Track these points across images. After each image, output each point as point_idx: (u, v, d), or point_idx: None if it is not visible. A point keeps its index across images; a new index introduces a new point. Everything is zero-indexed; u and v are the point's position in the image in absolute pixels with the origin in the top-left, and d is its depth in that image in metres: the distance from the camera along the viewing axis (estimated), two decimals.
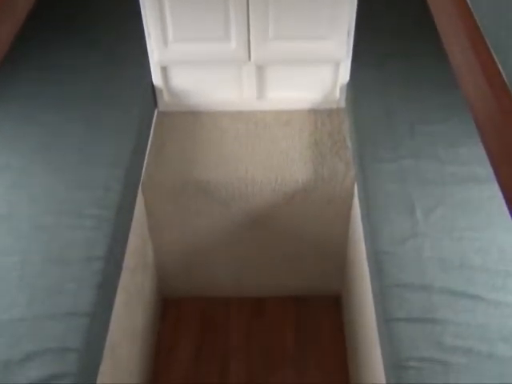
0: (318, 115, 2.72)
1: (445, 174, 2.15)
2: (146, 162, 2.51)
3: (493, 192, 1.97)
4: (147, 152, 2.55)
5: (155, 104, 2.74)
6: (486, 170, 2.05)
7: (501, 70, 0.93)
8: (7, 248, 1.90)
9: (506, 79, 0.91)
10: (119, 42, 2.76)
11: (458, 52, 1.11)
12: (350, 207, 2.51)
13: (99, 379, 1.76)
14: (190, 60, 2.59)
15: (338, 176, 2.44)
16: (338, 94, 2.70)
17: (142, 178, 2.44)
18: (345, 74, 2.62)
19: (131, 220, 2.24)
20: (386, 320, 1.76)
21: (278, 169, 2.48)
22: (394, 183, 2.14)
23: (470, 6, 1.08)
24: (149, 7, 2.37)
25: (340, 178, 2.43)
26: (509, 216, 0.86)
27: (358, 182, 2.33)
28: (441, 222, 2.00)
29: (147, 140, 2.58)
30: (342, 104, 2.73)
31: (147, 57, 2.55)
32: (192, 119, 2.72)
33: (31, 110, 2.42)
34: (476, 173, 2.12)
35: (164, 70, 2.63)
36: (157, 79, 2.64)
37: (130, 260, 2.21)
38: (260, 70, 2.61)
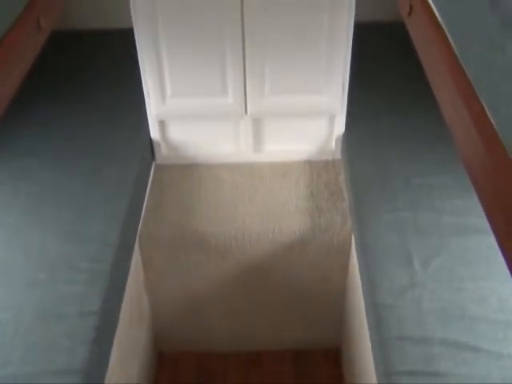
0: (315, 166, 2.74)
1: (442, 225, 2.15)
2: (143, 214, 2.51)
3: (491, 242, 1.96)
4: (144, 205, 2.55)
5: (153, 157, 2.76)
6: (483, 220, 2.04)
7: (492, 122, 0.95)
8: (1, 304, 1.88)
9: (497, 131, 0.93)
10: (118, 97, 2.81)
11: (450, 106, 1.13)
12: (347, 258, 2.50)
13: None
14: (188, 114, 2.62)
15: (335, 227, 2.44)
16: (333, 145, 2.73)
17: (138, 231, 2.44)
18: (340, 127, 2.66)
19: (127, 273, 2.22)
20: (386, 373, 1.73)
21: (275, 220, 2.48)
22: (392, 234, 2.14)
23: (461, 61, 1.11)
24: (147, 63, 2.42)
25: (337, 229, 2.43)
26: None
27: (355, 233, 2.33)
28: (439, 272, 1.99)
29: (145, 193, 2.59)
30: (338, 155, 2.75)
31: (145, 111, 2.59)
32: (189, 172, 2.74)
33: (29, 166, 2.44)
34: (473, 224, 2.13)
35: (162, 123, 2.66)
36: (154, 133, 2.68)
37: (125, 314, 2.18)
38: (256, 122, 2.65)
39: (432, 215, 2.20)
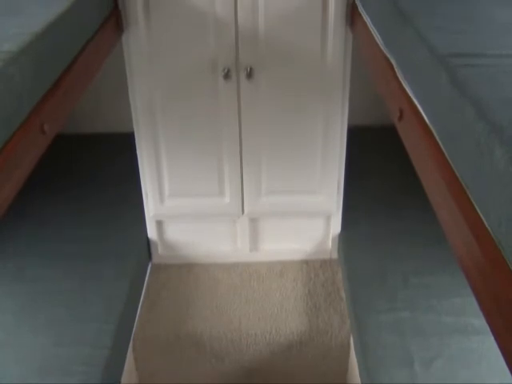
0: (311, 266, 2.74)
1: (442, 325, 2.13)
2: (138, 315, 2.48)
3: (491, 343, 1.93)
4: (140, 305, 2.52)
5: (150, 257, 2.76)
6: (482, 321, 2.03)
7: (484, 221, 0.97)
8: None
9: (489, 230, 0.94)
10: (116, 198, 2.85)
11: (443, 207, 1.16)
12: (346, 359, 2.44)
13: None
14: (185, 214, 2.66)
15: (333, 328, 2.40)
16: (330, 245, 2.75)
17: (133, 333, 2.39)
18: (336, 226, 2.69)
19: (120, 376, 2.17)
20: None
21: (272, 321, 2.45)
22: (391, 335, 2.11)
23: (451, 164, 1.14)
24: (147, 164, 2.48)
25: (335, 329, 2.40)
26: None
27: (353, 333, 2.29)
28: (441, 374, 1.94)
29: (140, 293, 2.57)
30: (335, 255, 2.76)
31: (143, 211, 2.62)
32: (186, 271, 2.73)
33: (27, 265, 2.44)
34: (473, 324, 2.10)
35: (159, 223, 2.69)
36: (152, 233, 2.70)
37: None
38: (253, 222, 2.68)
39: (431, 315, 2.18)
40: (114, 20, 2.10)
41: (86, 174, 3.08)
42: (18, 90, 1.28)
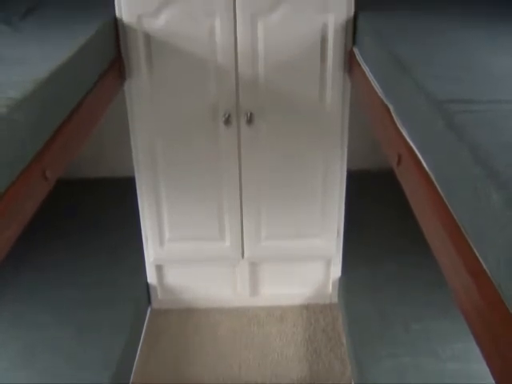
0: (312, 311, 2.72)
1: (443, 371, 2.10)
2: (136, 361, 2.44)
3: None
4: (138, 351, 2.49)
5: (149, 302, 2.74)
6: (483, 366, 2.00)
7: (483, 264, 0.97)
8: None
9: (488, 273, 0.95)
10: (116, 242, 2.85)
11: (442, 249, 1.16)
12: None
13: None
14: (185, 258, 2.65)
15: (334, 374, 2.37)
16: (330, 289, 2.73)
17: (131, 378, 2.36)
18: (336, 270, 2.68)
19: None
20: None
21: (272, 367, 2.42)
22: (393, 381, 2.07)
23: (449, 208, 1.16)
24: (147, 209, 2.50)
25: (337, 376, 2.36)
26: None
27: (354, 379, 2.26)
28: None
29: (139, 339, 2.54)
30: (335, 299, 2.75)
31: (143, 255, 2.62)
32: (185, 316, 2.71)
33: (25, 312, 2.42)
34: (475, 369, 2.07)
35: (159, 268, 2.68)
36: (151, 278, 2.69)
37: None
38: (253, 266, 2.67)
39: (433, 361, 2.15)
40: (117, 68, 2.15)
41: (87, 219, 3.08)
42: (21, 136, 1.30)
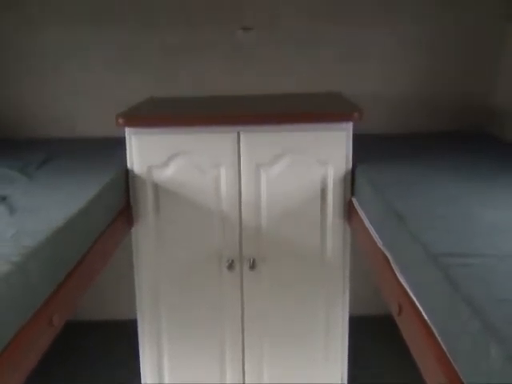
0: None
1: None
2: None
3: None
4: None
5: None
6: None
7: None
8: None
9: None
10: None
11: None
12: None
13: None
14: None
15: None
16: None
17: None
18: None
19: None
20: None
21: None
22: None
23: (450, 359, 1.16)
24: (148, 351, 2.47)
25: None
26: None
27: None
28: None
29: None
30: None
31: None
32: None
33: None
34: None
35: None
36: None
37: None
38: None
39: None
40: (125, 214, 2.23)
41: (85, 362, 3.02)
42: (33, 284, 1.34)
